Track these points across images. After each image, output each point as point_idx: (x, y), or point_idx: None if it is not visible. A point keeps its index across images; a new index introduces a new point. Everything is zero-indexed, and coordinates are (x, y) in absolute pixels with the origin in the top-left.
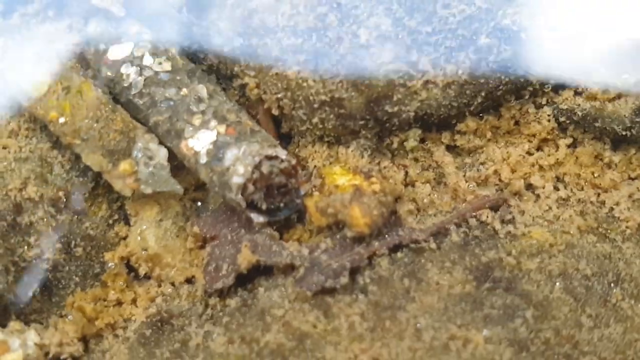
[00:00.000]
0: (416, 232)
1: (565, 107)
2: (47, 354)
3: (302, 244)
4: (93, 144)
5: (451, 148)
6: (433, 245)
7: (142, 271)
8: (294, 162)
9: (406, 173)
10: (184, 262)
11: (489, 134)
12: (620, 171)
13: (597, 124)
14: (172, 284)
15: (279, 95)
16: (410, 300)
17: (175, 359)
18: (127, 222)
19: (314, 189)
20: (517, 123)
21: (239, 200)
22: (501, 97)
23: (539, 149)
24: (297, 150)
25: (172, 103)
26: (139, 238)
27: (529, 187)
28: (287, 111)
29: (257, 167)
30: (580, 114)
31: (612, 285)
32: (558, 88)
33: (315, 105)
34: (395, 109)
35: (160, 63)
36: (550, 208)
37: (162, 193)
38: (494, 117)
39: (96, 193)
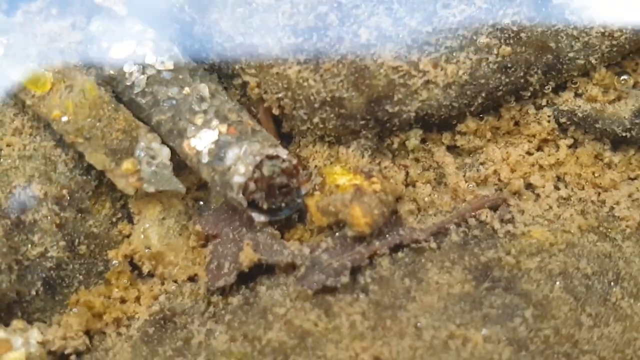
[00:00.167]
0: (417, 232)
1: (566, 108)
2: (50, 352)
3: (303, 243)
4: (96, 142)
5: (451, 148)
6: (433, 245)
7: (145, 269)
8: (294, 161)
9: (407, 173)
10: (187, 260)
11: (489, 135)
12: (620, 171)
13: (597, 125)
14: (175, 281)
15: (280, 95)
16: (411, 300)
17: (178, 357)
18: (130, 220)
19: (314, 189)
20: (517, 124)
21: (240, 200)
22: (501, 98)
23: (538, 149)
24: (297, 150)
25: (174, 102)
26: (142, 236)
27: (529, 186)
28: (288, 111)
29: (259, 167)
30: (580, 115)
31: (612, 284)
32: (558, 89)
33: (316, 105)
34: (396, 109)
35: (162, 62)
36: (550, 207)
37: (165, 192)
38: (494, 117)
39: (100, 191)
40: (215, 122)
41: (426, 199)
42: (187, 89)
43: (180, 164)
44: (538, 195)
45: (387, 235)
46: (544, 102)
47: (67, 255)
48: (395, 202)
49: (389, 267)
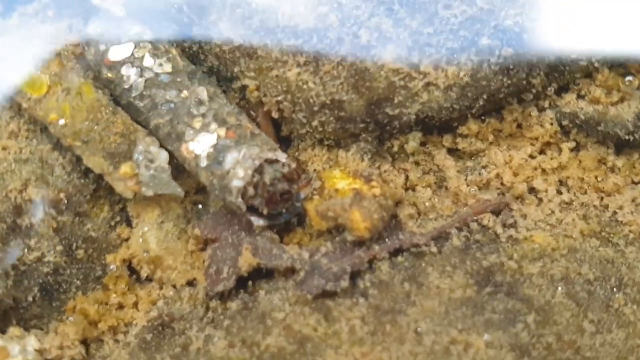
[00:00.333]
0: (417, 236)
1: (568, 110)
2: (47, 359)
3: (303, 248)
4: (94, 146)
5: (452, 151)
6: (434, 249)
7: (143, 273)
8: (293, 165)
9: (407, 177)
10: (185, 264)
11: (491, 137)
12: (624, 175)
13: (600, 128)
14: (174, 286)
15: (279, 98)
16: (411, 304)
17: None
18: (129, 224)
19: (313, 193)
20: (519, 126)
21: (239, 204)
22: (503, 100)
23: (541, 152)
24: (296, 153)
25: (172, 105)
26: (140, 240)
27: (532, 190)
28: (287, 114)
29: (260, 173)
30: (583, 117)
31: (614, 290)
32: (561, 91)
33: (315, 108)
34: (396, 111)
35: (161, 64)
36: (552, 212)
37: (163, 195)
38: (496, 120)
39: (98, 194)
40: (213, 125)
41: (426, 203)
42: (185, 92)
43: (179, 168)
44: (540, 200)
45: (386, 240)
46: (546, 104)
47: (65, 260)
48: (395, 206)
49: (388, 272)
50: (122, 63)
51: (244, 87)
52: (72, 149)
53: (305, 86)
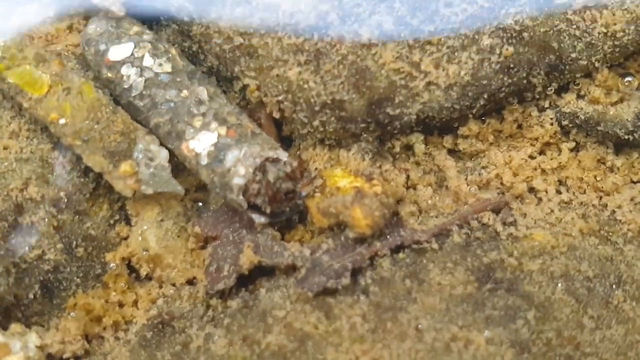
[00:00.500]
0: (418, 233)
1: (568, 110)
2: (49, 355)
3: (304, 245)
4: (94, 145)
5: (453, 152)
6: (435, 246)
7: (143, 272)
8: (295, 164)
9: (407, 177)
10: (185, 262)
11: (491, 138)
12: (623, 175)
13: (599, 128)
14: (174, 284)
15: (280, 98)
16: (412, 301)
17: None
18: (128, 222)
19: (315, 190)
20: (519, 126)
21: (240, 201)
22: (504, 100)
23: (541, 152)
24: (298, 153)
25: (172, 105)
26: (140, 238)
27: (531, 190)
28: (288, 114)
29: (263, 172)
30: (582, 117)
31: (613, 287)
32: (561, 90)
33: (316, 108)
34: (397, 111)
35: (160, 64)
36: (552, 211)
37: (163, 193)
38: (496, 120)
39: (97, 193)
40: (214, 124)
41: (427, 202)
42: (185, 92)
43: (179, 166)
44: (540, 199)
45: (387, 237)
46: (546, 104)
47: (65, 258)
48: (396, 204)
49: (389, 268)
50: (122, 63)
51: (244, 87)
52: (72, 148)
53: (306, 86)
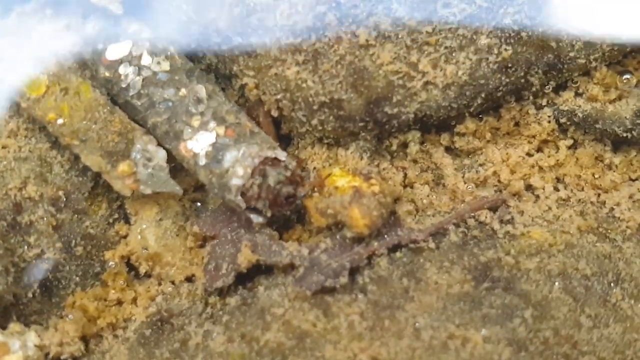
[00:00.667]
0: (415, 232)
1: (566, 108)
2: (47, 355)
3: (302, 244)
4: (92, 145)
5: (450, 150)
6: (432, 245)
7: (142, 270)
8: (294, 163)
9: (405, 175)
10: (184, 260)
11: (488, 135)
12: (621, 172)
13: (597, 126)
14: (173, 282)
15: (278, 97)
16: (409, 300)
17: (175, 359)
18: (127, 221)
19: (313, 190)
20: (517, 124)
21: (238, 202)
22: (501, 98)
23: (538, 150)
24: (296, 151)
25: (170, 104)
26: (139, 237)
27: (529, 188)
28: (287, 112)
29: (264, 176)
30: (580, 115)
31: (611, 285)
32: (559, 89)
33: (315, 107)
34: (395, 110)
35: (158, 63)
36: (549, 208)
37: (162, 193)
38: (493, 118)
39: (96, 192)
40: (212, 124)
41: (424, 200)
42: (183, 91)
43: (177, 166)
44: (537, 197)
45: (385, 236)
46: (544, 102)
47: (64, 257)
48: (393, 203)
49: (387, 267)
50: (120, 62)
51: (243, 85)
52: (70, 148)
53: (304, 85)
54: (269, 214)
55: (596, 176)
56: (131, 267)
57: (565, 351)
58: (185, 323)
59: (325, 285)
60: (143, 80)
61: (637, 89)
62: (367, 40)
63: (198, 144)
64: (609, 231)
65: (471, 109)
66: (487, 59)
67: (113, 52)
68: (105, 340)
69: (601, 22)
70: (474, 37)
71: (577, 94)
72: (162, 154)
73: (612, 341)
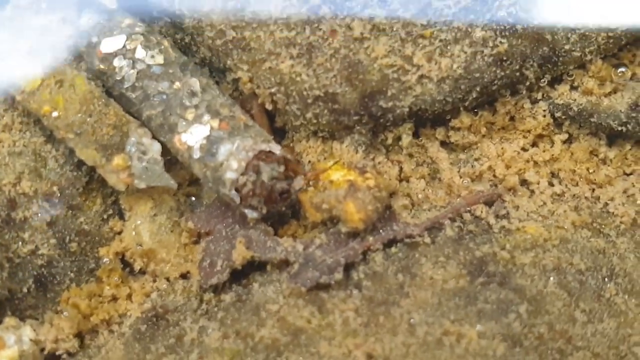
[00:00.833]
0: (410, 227)
1: (561, 102)
2: (43, 349)
3: (297, 240)
4: (86, 138)
5: (445, 144)
6: (427, 240)
7: (137, 266)
8: (289, 156)
9: (400, 169)
10: (179, 257)
11: (483, 130)
12: (615, 167)
13: (593, 119)
14: (167, 279)
15: (273, 90)
16: (404, 296)
17: (170, 355)
18: (121, 217)
19: (308, 184)
20: (512, 119)
21: (232, 196)
22: (496, 92)
23: (533, 145)
24: (291, 145)
25: (164, 97)
26: (133, 233)
27: (524, 182)
28: (281, 106)
29: (257, 172)
30: (576, 109)
31: (606, 280)
32: (554, 82)
33: (309, 100)
34: (390, 104)
35: (152, 56)
36: (544, 203)
37: (156, 188)
38: (488, 112)
39: (90, 187)
40: (206, 117)
41: (420, 194)
42: (177, 84)
43: (172, 159)
44: (532, 191)
45: (380, 231)
46: (539, 96)
47: (58, 253)
48: (389, 197)
49: (382, 263)
50: (114, 55)
51: (237, 79)
52: (65, 141)
53: (298, 78)
54: (264, 211)
55: (591, 171)
56: (126, 264)
57: (559, 346)
58: (181, 319)
59: (320, 281)
60: (137, 73)
61: (632, 82)
62: (361, 34)
63: (192, 137)
64: (603, 226)
65: (466, 103)
66: (482, 52)
67: (107, 45)
68: (100, 335)
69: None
70: (469, 30)
71: (572, 88)
72: (156, 147)
73: (606, 336)
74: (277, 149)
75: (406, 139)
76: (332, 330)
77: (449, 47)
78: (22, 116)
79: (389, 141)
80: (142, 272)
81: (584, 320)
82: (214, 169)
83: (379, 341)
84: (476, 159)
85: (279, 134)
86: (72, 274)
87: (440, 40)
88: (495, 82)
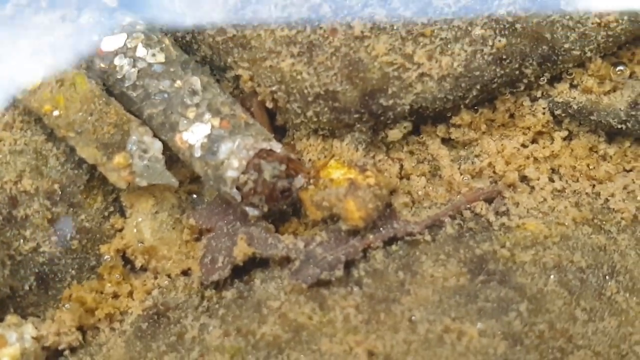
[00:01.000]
0: (411, 225)
1: (561, 100)
2: (45, 347)
3: (298, 237)
4: (87, 137)
5: (446, 141)
6: (427, 238)
7: (138, 263)
8: (291, 155)
9: (401, 166)
10: (180, 254)
11: (483, 127)
12: (615, 163)
13: (592, 117)
14: (169, 276)
15: (273, 88)
16: (405, 293)
17: (172, 352)
18: (122, 214)
19: (309, 182)
20: (512, 116)
21: (233, 194)
22: (496, 90)
23: (533, 141)
24: (291, 143)
25: (166, 95)
26: (134, 230)
27: (524, 179)
28: (282, 104)
29: (259, 171)
30: (575, 107)
31: (607, 277)
32: (553, 80)
33: (310, 99)
34: (390, 102)
35: (154, 54)
36: (545, 200)
37: (157, 185)
38: (488, 110)
39: (91, 185)
40: (207, 115)
41: (420, 191)
42: (178, 82)
43: (173, 157)
44: (533, 188)
45: (381, 229)
46: (539, 94)
47: (60, 250)
48: (389, 195)
49: (383, 260)
50: (115, 53)
51: (237, 77)
52: (66, 140)
53: (299, 77)
54: (265, 209)
55: (591, 167)
56: (127, 261)
57: (560, 345)
58: (182, 316)
59: (321, 278)
60: (138, 71)
61: (631, 81)
62: (362, 32)
63: (193, 135)
64: (604, 223)
65: (466, 101)
66: (482, 50)
67: (108, 44)
68: (102, 332)
69: None
70: (469, 28)
71: (572, 86)
72: (158, 145)
73: (607, 334)
74: (277, 147)
75: (396, 135)
76: (333, 327)
77: (449, 46)
78: (23, 115)
79: (390, 139)
80: (144, 269)
81: (584, 319)
82: (215, 168)
83: (379, 338)
84: (476, 156)
85: (280, 132)
86: (73, 272)
87: (441, 39)
88: (495, 80)
